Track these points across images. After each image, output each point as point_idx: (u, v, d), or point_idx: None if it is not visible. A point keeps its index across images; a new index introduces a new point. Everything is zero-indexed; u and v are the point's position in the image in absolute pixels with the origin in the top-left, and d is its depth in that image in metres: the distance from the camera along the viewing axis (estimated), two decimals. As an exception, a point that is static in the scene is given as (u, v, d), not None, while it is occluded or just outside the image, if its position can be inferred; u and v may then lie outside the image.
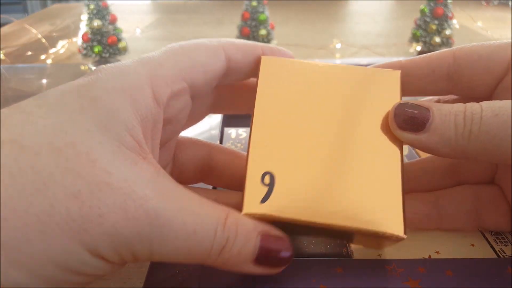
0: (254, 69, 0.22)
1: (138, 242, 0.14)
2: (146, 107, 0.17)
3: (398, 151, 0.19)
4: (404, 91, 0.21)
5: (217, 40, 0.21)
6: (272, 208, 0.18)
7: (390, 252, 0.22)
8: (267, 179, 0.18)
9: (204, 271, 0.21)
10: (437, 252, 0.22)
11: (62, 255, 0.13)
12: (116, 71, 0.17)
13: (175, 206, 0.15)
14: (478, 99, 0.19)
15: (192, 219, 0.15)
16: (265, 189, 0.18)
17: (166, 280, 0.21)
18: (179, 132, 0.23)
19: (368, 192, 0.18)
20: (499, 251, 0.22)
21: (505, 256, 0.22)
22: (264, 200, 0.18)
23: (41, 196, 0.13)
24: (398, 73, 0.21)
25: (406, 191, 0.19)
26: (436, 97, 0.24)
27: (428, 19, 0.62)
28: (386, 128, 0.20)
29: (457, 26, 0.65)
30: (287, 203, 0.18)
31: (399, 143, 0.19)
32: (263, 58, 0.21)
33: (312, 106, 0.20)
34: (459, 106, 0.19)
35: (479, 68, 0.21)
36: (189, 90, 0.20)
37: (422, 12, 0.63)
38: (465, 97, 0.22)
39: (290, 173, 0.18)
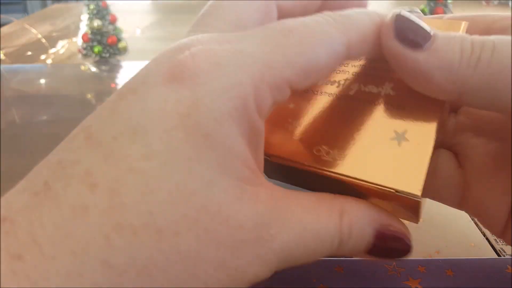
0: None
1: (269, 275, 0.15)
2: (251, 126, 0.14)
3: (437, 109, 0.17)
4: None
5: (340, 22, 0.16)
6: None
7: (390, 252, 0.22)
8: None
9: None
10: (437, 252, 0.22)
11: None
12: (218, 86, 0.13)
13: (296, 233, 0.15)
14: None
15: (312, 240, 0.15)
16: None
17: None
18: None
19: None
20: (499, 250, 0.22)
21: (505, 256, 0.22)
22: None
23: (195, 279, 0.13)
24: (464, 24, 0.18)
25: None
26: None
27: (428, 19, 0.62)
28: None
29: (457, 26, 0.66)
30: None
31: (441, 103, 0.17)
32: None
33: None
34: (465, 34, 0.16)
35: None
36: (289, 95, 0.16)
37: (422, 12, 0.63)
38: None
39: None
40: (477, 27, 0.19)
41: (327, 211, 0.16)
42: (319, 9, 0.18)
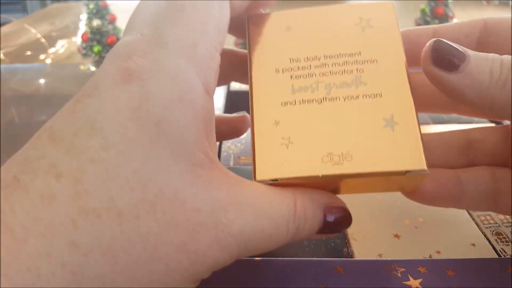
0: (244, 8, 0.20)
1: (229, 261, 0.15)
2: (203, 106, 0.15)
3: (407, 85, 0.18)
4: None
5: None
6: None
7: (390, 252, 0.22)
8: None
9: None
10: (438, 252, 0.22)
11: None
12: (162, 77, 0.15)
13: (252, 218, 0.16)
14: None
15: (267, 224, 0.16)
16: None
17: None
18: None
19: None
20: (500, 250, 0.22)
21: (506, 256, 0.22)
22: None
23: (156, 261, 0.13)
24: (391, 4, 0.20)
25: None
26: None
27: (428, 19, 0.62)
28: (391, 63, 0.19)
29: (457, 26, 0.65)
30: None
31: (406, 75, 0.19)
32: (249, 16, 0.21)
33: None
34: (496, 55, 0.18)
35: (507, 36, 0.20)
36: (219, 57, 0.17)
37: (423, 11, 0.62)
38: None
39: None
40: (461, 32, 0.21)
41: (279, 197, 0.17)
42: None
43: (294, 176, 0.17)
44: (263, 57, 0.20)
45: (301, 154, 0.18)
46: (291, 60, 0.19)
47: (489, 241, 0.23)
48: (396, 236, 0.23)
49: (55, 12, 0.96)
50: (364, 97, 0.18)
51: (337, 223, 0.18)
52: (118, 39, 0.62)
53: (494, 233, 0.24)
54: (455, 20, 0.63)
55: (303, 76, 0.19)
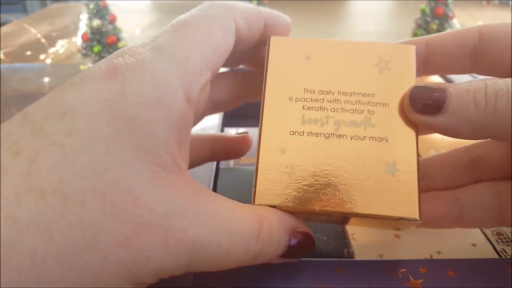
0: (253, 44, 0.21)
1: (177, 270, 0.15)
2: (180, 113, 0.16)
3: (413, 133, 0.19)
4: (429, 69, 0.21)
5: (225, 8, 0.19)
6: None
7: (391, 253, 0.22)
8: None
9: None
10: (439, 252, 0.22)
11: None
12: (145, 78, 0.15)
13: (210, 230, 0.15)
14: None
15: (226, 239, 0.16)
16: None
17: (166, 280, 0.21)
18: (198, 122, 0.22)
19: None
20: (500, 251, 0.22)
21: (507, 256, 0.22)
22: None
23: (94, 250, 0.13)
24: (412, 48, 0.20)
25: (424, 188, 0.19)
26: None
27: (428, 19, 0.62)
28: (401, 108, 0.19)
29: (457, 26, 0.65)
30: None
31: (414, 126, 0.19)
32: (272, 38, 0.21)
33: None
34: (478, 83, 0.18)
35: (502, 46, 0.20)
36: (211, 77, 0.18)
37: (423, 11, 0.62)
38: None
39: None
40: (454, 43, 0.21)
41: (246, 215, 0.16)
42: (262, 31, 0.20)
43: (292, 205, 0.18)
44: (278, 82, 0.20)
45: (302, 185, 0.18)
46: (306, 91, 0.20)
47: (490, 242, 0.23)
48: (397, 236, 0.23)
49: (55, 12, 0.96)
50: (371, 139, 0.19)
51: (299, 247, 0.18)
52: (118, 39, 0.62)
53: (494, 233, 0.24)
54: (455, 21, 0.63)
55: (314, 108, 0.19)
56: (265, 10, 0.20)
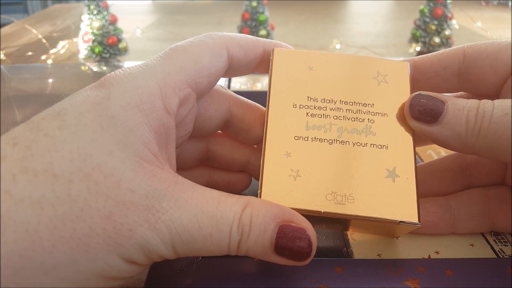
0: (254, 66, 0.22)
1: (163, 247, 0.16)
2: (159, 119, 0.18)
3: (411, 142, 0.20)
4: (418, 88, 0.21)
5: (219, 36, 0.21)
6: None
7: (389, 252, 0.22)
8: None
9: (198, 271, 0.21)
10: (437, 252, 0.22)
11: (103, 267, 0.15)
12: (128, 87, 0.17)
13: (191, 213, 0.16)
14: (487, 97, 0.19)
15: (208, 222, 0.16)
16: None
17: (168, 280, 0.21)
18: (189, 134, 0.22)
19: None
20: (498, 251, 0.23)
21: (505, 256, 0.22)
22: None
23: (81, 221, 0.15)
24: (407, 64, 0.22)
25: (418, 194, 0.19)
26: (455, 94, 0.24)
27: (427, 20, 0.62)
28: (399, 118, 0.20)
29: (456, 27, 0.65)
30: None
31: (412, 132, 0.20)
32: (275, 50, 0.22)
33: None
34: (473, 102, 0.19)
35: (485, 67, 0.21)
36: (194, 94, 0.20)
37: (422, 12, 0.63)
38: (475, 95, 0.22)
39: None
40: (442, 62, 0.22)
41: (231, 202, 0.17)
42: (261, 57, 0.22)
43: (297, 207, 0.18)
44: (283, 90, 0.21)
45: (307, 188, 0.19)
46: (309, 99, 0.21)
47: (488, 242, 0.23)
48: (395, 236, 0.24)
49: (56, 13, 0.96)
50: (372, 146, 0.20)
51: (290, 241, 0.17)
52: (119, 40, 0.62)
53: (492, 233, 0.24)
54: (453, 21, 0.63)
55: (318, 115, 0.20)
56: (264, 40, 0.22)
